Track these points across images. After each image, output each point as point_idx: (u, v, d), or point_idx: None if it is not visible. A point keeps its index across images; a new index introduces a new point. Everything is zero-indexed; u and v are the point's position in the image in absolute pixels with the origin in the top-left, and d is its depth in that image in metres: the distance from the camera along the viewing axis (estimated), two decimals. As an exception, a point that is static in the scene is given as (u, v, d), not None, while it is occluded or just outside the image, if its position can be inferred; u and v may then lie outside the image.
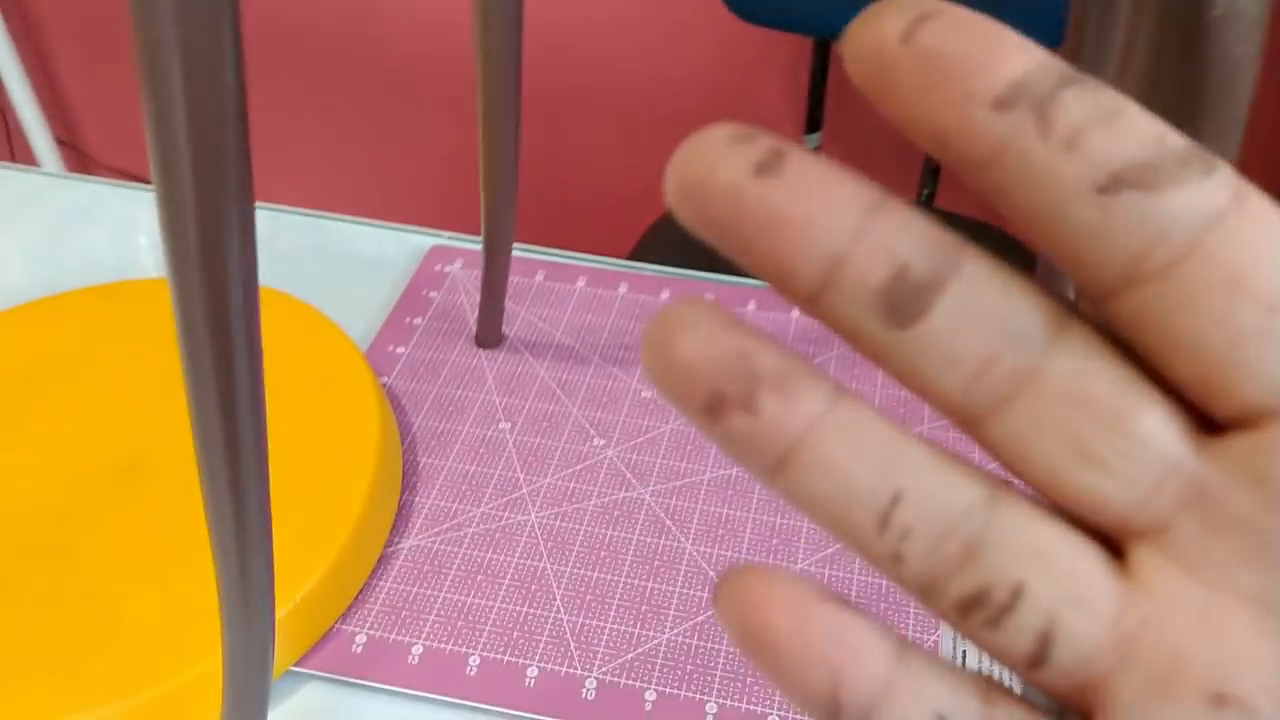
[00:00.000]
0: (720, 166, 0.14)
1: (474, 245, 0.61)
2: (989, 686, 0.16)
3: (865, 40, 0.14)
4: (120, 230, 0.63)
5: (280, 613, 0.40)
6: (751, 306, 0.57)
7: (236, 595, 0.33)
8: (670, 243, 1.05)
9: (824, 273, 0.14)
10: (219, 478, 0.30)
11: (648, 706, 0.40)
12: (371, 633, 0.42)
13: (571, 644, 0.42)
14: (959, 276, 0.14)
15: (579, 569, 0.45)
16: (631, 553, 0.45)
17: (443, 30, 1.26)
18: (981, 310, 0.15)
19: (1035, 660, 0.15)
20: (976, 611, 0.15)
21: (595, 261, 0.60)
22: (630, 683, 0.41)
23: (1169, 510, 0.15)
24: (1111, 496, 0.15)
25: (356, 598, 0.43)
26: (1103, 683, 0.15)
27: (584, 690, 0.41)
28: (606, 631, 0.42)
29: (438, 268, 0.59)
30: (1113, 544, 0.15)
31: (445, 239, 0.61)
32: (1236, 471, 0.14)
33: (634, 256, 1.05)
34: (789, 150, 0.15)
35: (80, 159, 1.56)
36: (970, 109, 0.14)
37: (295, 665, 0.42)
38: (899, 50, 0.14)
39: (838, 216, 0.14)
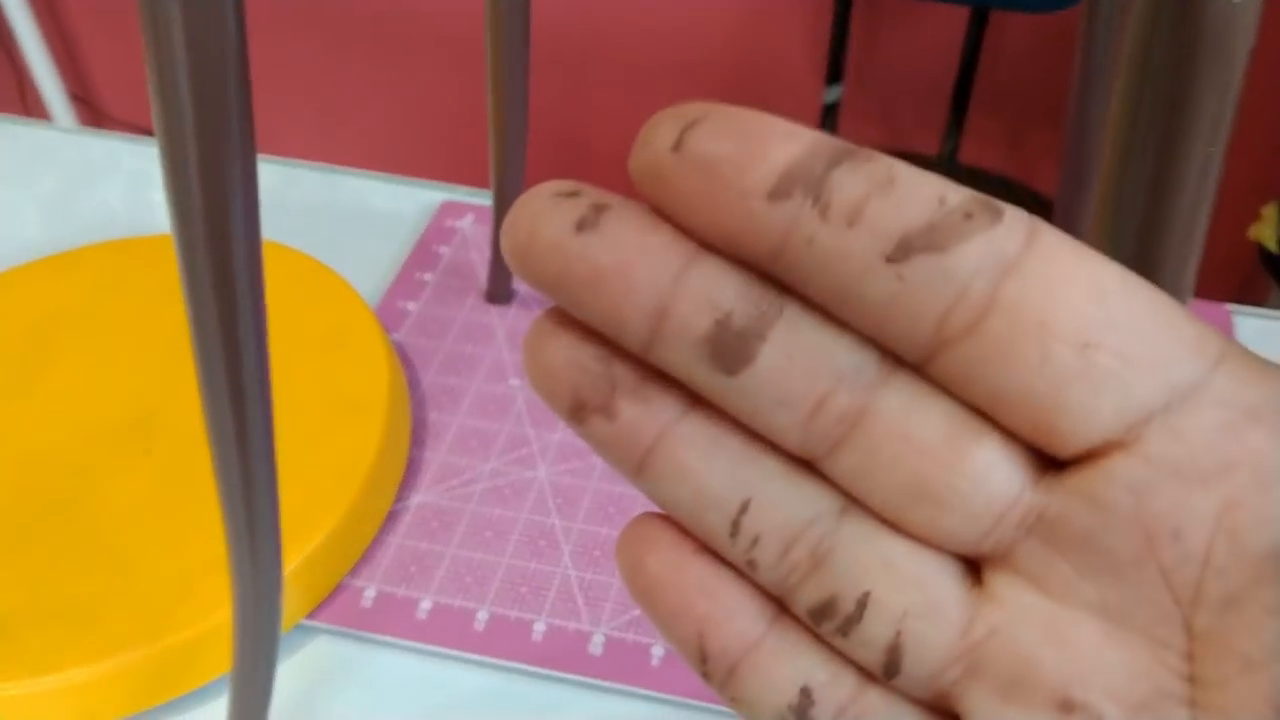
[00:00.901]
0: (544, 225, 0.15)
1: (485, 200, 0.60)
2: (868, 673, 0.16)
3: (643, 157, 0.14)
4: (134, 184, 0.63)
5: (290, 566, 0.40)
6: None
7: (244, 549, 0.33)
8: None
9: (650, 324, 0.15)
10: (225, 431, 0.30)
11: (654, 662, 0.40)
12: (381, 587, 0.43)
13: (579, 599, 0.42)
14: (782, 321, 0.15)
15: (587, 525, 0.45)
16: (639, 509, 0.45)
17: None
18: (807, 352, 0.15)
19: (888, 669, 0.15)
20: (826, 620, 0.15)
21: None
22: (637, 638, 0.41)
23: (1012, 535, 0.15)
24: (952, 529, 0.15)
25: (366, 552, 0.44)
26: (956, 692, 0.15)
27: (591, 645, 0.41)
28: (614, 587, 0.42)
29: (448, 223, 0.59)
30: (966, 560, 0.15)
31: (456, 193, 0.61)
32: (1074, 496, 0.14)
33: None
34: (611, 204, 0.15)
35: (94, 114, 1.56)
36: (747, 205, 0.14)
37: (305, 619, 0.42)
38: (672, 161, 0.14)
39: (657, 267, 0.15)
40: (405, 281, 0.55)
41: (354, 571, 0.43)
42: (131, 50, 1.48)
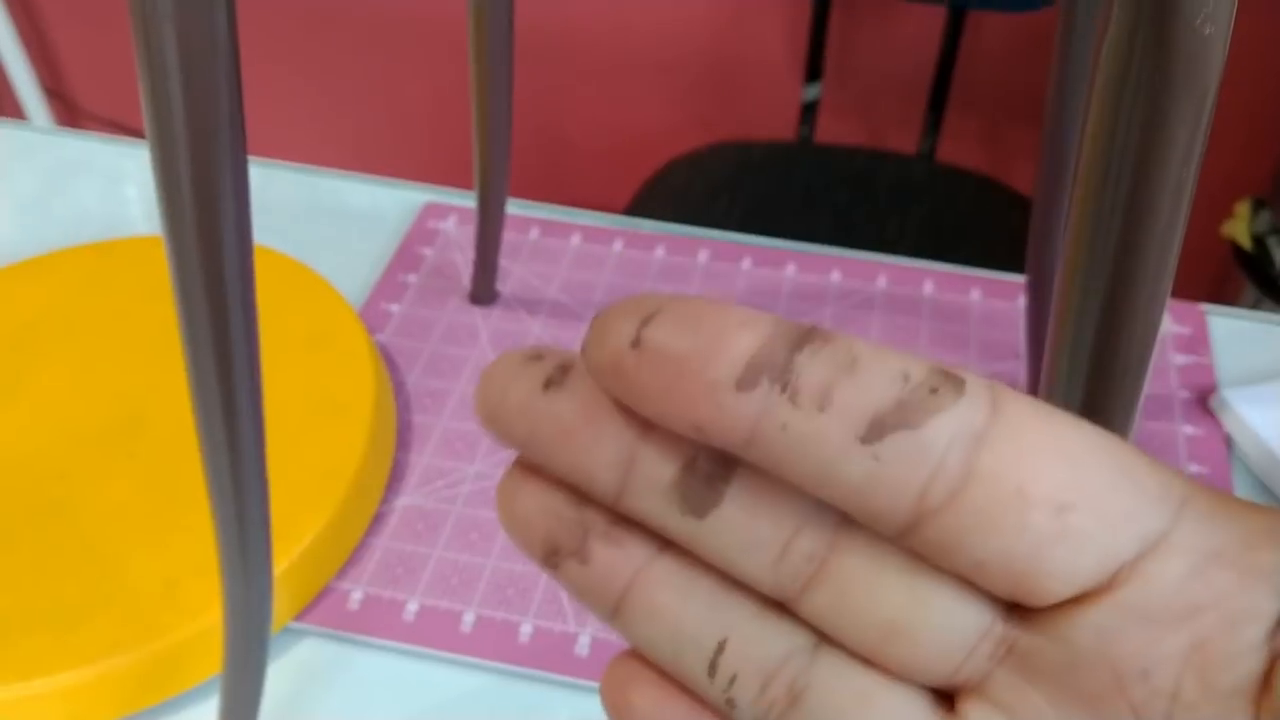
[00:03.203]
0: (513, 387, 0.15)
1: (468, 201, 0.60)
2: None
3: (600, 355, 0.14)
4: (110, 185, 0.62)
5: (277, 569, 0.40)
6: (746, 263, 0.57)
7: (235, 551, 0.33)
8: (668, 195, 1.04)
9: (619, 474, 0.15)
10: (216, 434, 0.31)
11: (641, 662, 0.40)
12: (368, 589, 0.43)
13: (565, 601, 0.42)
14: (745, 465, 0.15)
15: (573, 526, 0.45)
16: (625, 510, 0.46)
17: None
18: (772, 495, 0.15)
19: None
20: None
21: (590, 218, 0.60)
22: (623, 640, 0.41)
23: (984, 666, 0.15)
24: (925, 664, 0.15)
25: (352, 555, 0.44)
26: None
27: (578, 646, 0.41)
28: (600, 588, 0.43)
29: (431, 224, 0.59)
30: (939, 691, 0.16)
31: (439, 194, 0.61)
32: (1045, 634, 0.15)
33: (631, 209, 1.04)
34: (575, 364, 0.15)
35: (68, 109, 1.54)
36: (716, 398, 0.14)
37: (293, 621, 0.42)
38: (633, 358, 0.14)
39: (621, 422, 0.15)
40: (389, 283, 0.55)
41: (340, 574, 0.43)
42: (106, 45, 1.47)
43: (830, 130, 1.22)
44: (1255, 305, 1.10)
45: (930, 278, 0.56)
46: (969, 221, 1.00)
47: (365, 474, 0.44)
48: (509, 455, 0.47)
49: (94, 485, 0.44)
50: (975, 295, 0.55)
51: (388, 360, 0.52)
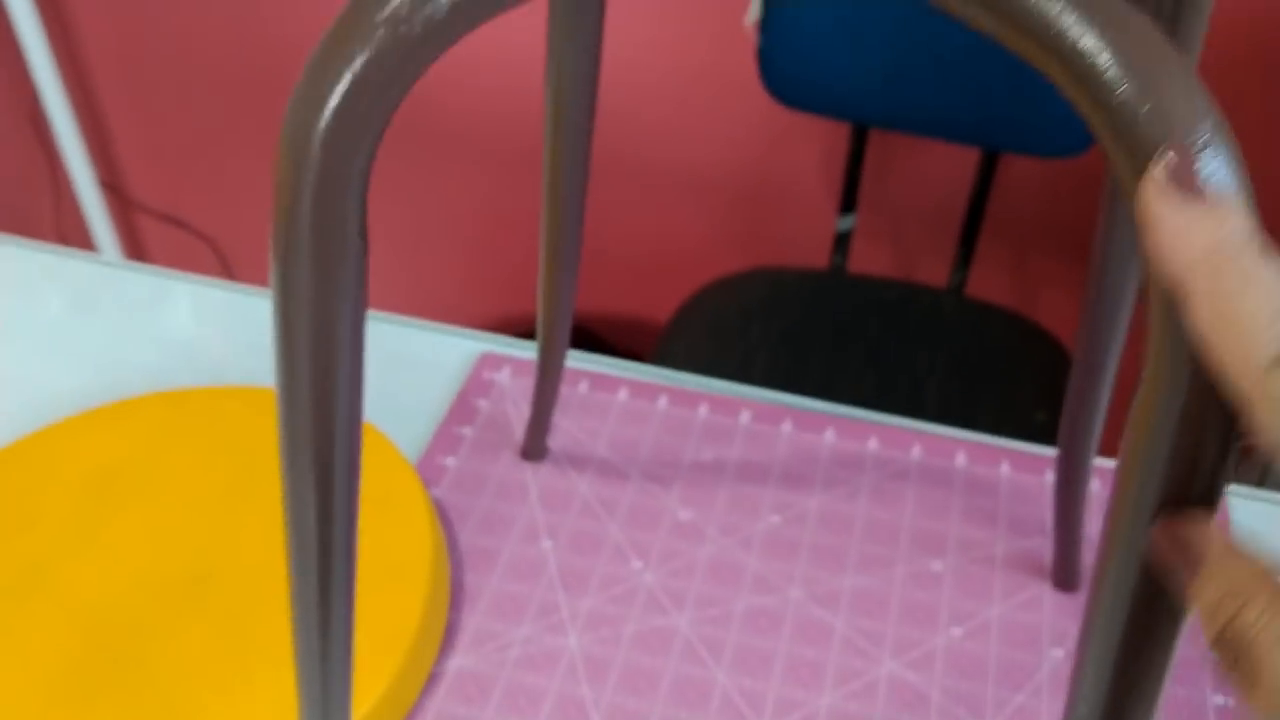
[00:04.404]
0: None
1: (522, 352, 0.63)
2: None
3: None
4: (184, 323, 0.66)
5: (337, 737, 0.42)
6: (787, 426, 0.59)
7: (317, 711, 0.35)
8: (704, 321, 1.07)
9: None
10: (309, 603, 0.31)
11: (681, 841, 0.42)
12: (420, 754, 0.45)
13: (609, 774, 0.44)
14: None
15: (616, 696, 0.47)
16: (667, 682, 0.48)
17: (492, 122, 1.29)
18: None
19: None
20: None
21: (637, 371, 0.63)
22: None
23: None
24: None
25: (407, 717, 0.46)
26: None
27: (620, 822, 0.43)
28: (642, 762, 0.44)
29: (487, 375, 0.62)
30: None
31: (495, 343, 0.64)
32: None
33: (668, 331, 1.07)
34: None
35: (122, 201, 1.60)
36: None
37: (347, 783, 0.44)
38: None
39: None
40: (445, 436, 0.58)
41: (394, 737, 0.45)
42: (162, 140, 1.52)
43: (863, 257, 1.25)
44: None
45: (962, 449, 0.58)
46: (997, 359, 1.02)
47: (422, 638, 0.47)
48: (555, 619, 0.49)
49: (168, 639, 0.46)
50: (1005, 469, 0.57)
51: (443, 516, 0.54)
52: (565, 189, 0.46)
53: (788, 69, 1.03)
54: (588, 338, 1.44)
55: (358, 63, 0.21)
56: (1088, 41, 0.20)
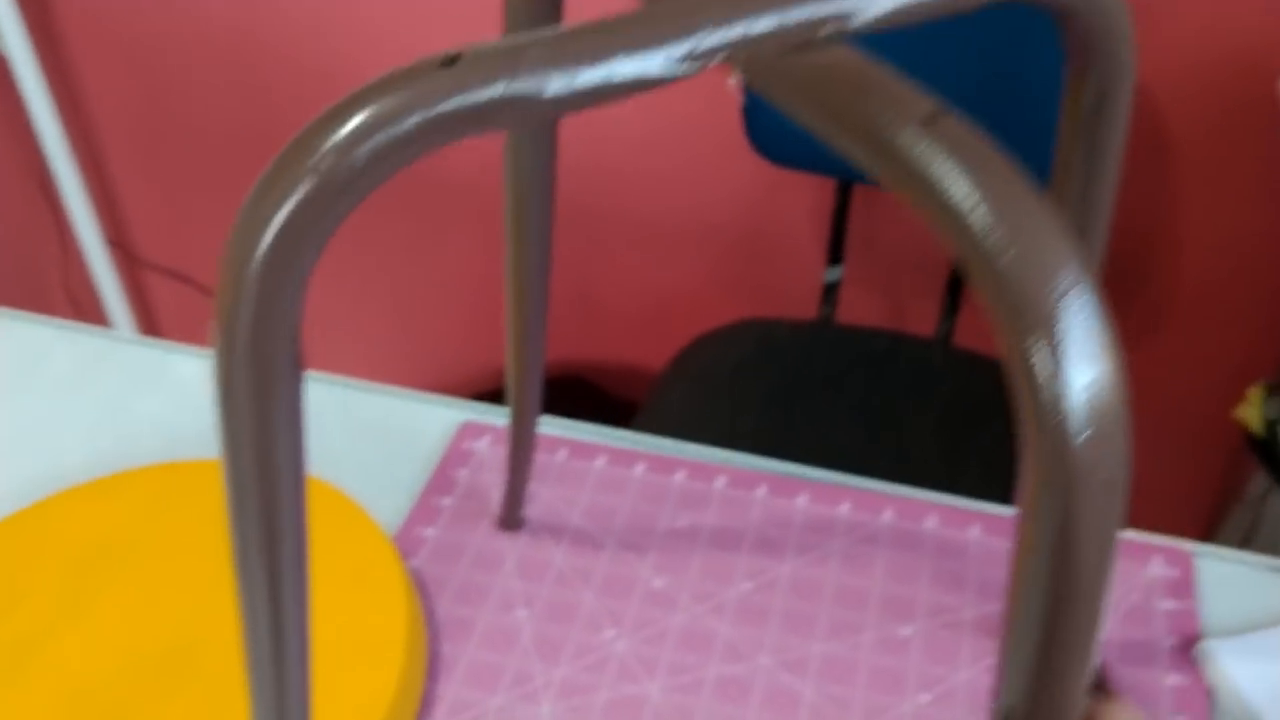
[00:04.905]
0: None
1: (502, 420, 0.65)
2: None
3: None
4: (180, 395, 0.67)
5: (311, 813, 0.43)
6: (761, 491, 0.60)
7: None
8: (695, 373, 1.09)
9: None
10: (263, 676, 0.33)
11: None
12: (393, 827, 0.46)
13: (578, 845, 0.45)
14: None
15: (587, 766, 0.48)
16: (637, 751, 0.48)
17: (468, 194, 1.32)
18: None
19: None
20: None
21: (615, 438, 0.64)
22: None
23: None
24: None
25: (381, 791, 0.47)
26: None
27: None
28: (611, 833, 0.45)
29: (467, 444, 0.63)
30: None
31: (475, 412, 0.65)
32: None
33: (660, 383, 1.08)
34: None
35: (128, 258, 1.62)
36: None
37: None
38: None
39: None
40: (425, 507, 0.59)
41: (369, 810, 0.46)
42: (166, 199, 1.55)
43: (853, 306, 1.26)
44: (1264, 494, 1.12)
45: (933, 512, 0.59)
46: (984, 408, 1.03)
47: (399, 709, 0.48)
48: (530, 688, 0.50)
49: (153, 711, 0.47)
50: (975, 532, 0.58)
51: (420, 586, 0.55)
52: (528, 271, 0.48)
53: (772, 127, 1.05)
54: (584, 387, 1.46)
55: (285, 209, 0.23)
56: (961, 191, 0.21)
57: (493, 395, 1.43)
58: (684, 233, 1.30)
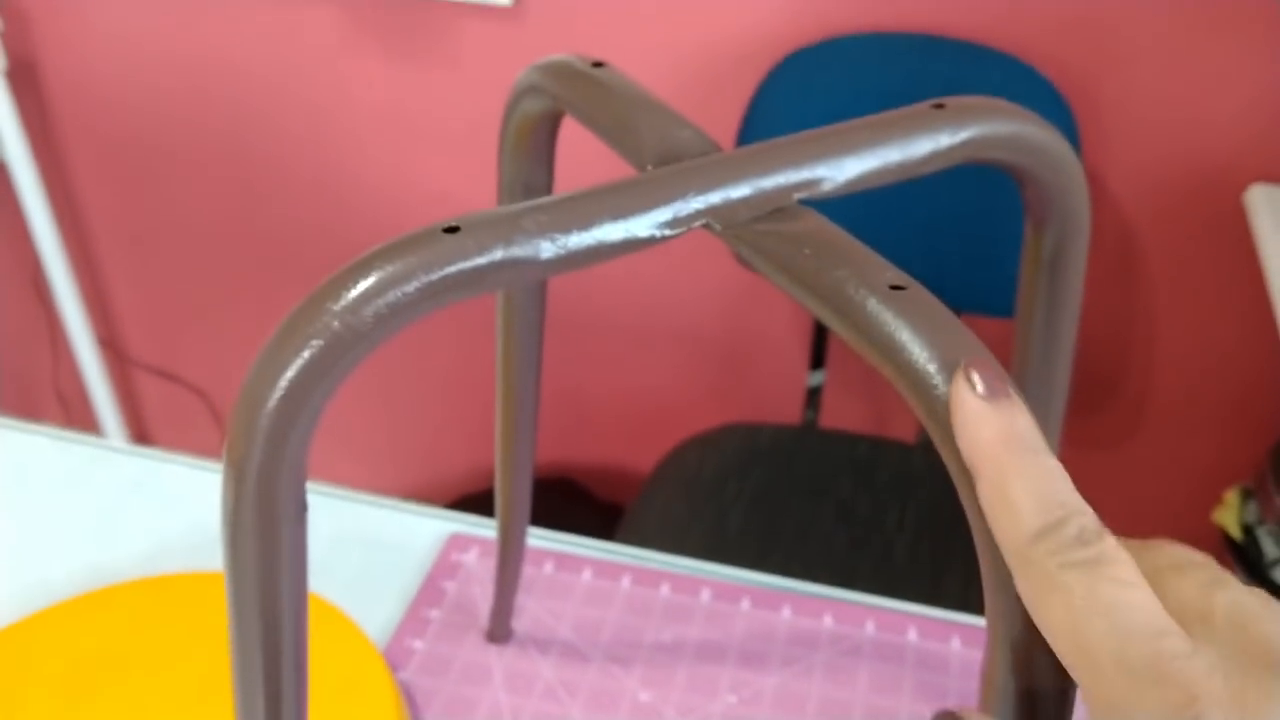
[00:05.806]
0: None
1: (489, 532, 0.66)
2: None
3: None
4: (170, 507, 0.68)
5: None
6: (745, 604, 0.61)
7: None
8: (681, 478, 1.10)
9: None
10: None
11: None
12: None
13: None
14: None
15: None
16: None
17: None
18: None
19: None
20: None
21: (601, 550, 0.65)
22: None
23: None
24: None
25: None
26: None
27: None
28: None
29: (455, 557, 0.64)
30: None
31: (463, 524, 0.67)
32: None
33: (647, 488, 1.10)
34: None
35: (118, 357, 1.64)
36: None
37: None
38: None
39: None
40: (414, 619, 0.60)
41: None
42: (156, 300, 1.58)
43: (835, 410, 1.28)
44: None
45: (914, 624, 0.61)
46: (963, 512, 1.04)
47: (383, 830, 0.48)
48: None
49: (133, 837, 0.47)
50: (955, 644, 0.60)
51: (408, 699, 0.56)
52: (518, 401, 0.50)
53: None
54: (572, 489, 1.47)
55: (295, 366, 0.25)
56: (922, 358, 0.23)
57: (481, 497, 1.44)
58: (670, 339, 1.33)
